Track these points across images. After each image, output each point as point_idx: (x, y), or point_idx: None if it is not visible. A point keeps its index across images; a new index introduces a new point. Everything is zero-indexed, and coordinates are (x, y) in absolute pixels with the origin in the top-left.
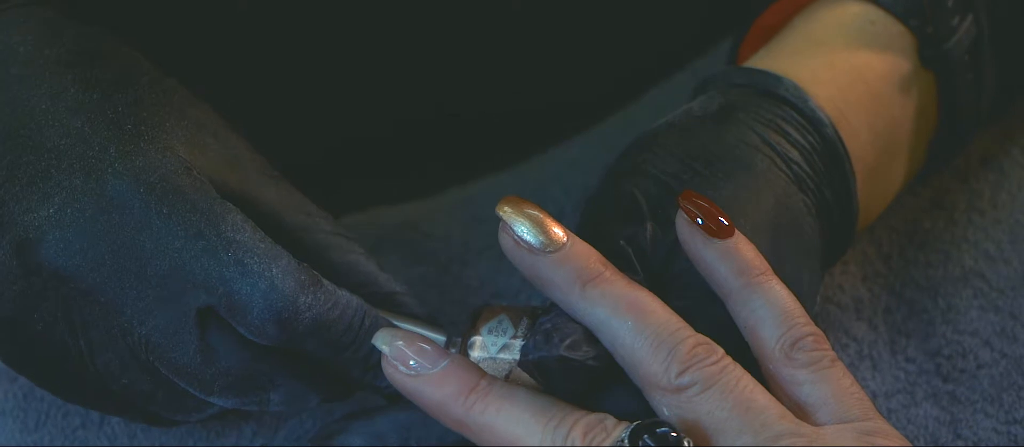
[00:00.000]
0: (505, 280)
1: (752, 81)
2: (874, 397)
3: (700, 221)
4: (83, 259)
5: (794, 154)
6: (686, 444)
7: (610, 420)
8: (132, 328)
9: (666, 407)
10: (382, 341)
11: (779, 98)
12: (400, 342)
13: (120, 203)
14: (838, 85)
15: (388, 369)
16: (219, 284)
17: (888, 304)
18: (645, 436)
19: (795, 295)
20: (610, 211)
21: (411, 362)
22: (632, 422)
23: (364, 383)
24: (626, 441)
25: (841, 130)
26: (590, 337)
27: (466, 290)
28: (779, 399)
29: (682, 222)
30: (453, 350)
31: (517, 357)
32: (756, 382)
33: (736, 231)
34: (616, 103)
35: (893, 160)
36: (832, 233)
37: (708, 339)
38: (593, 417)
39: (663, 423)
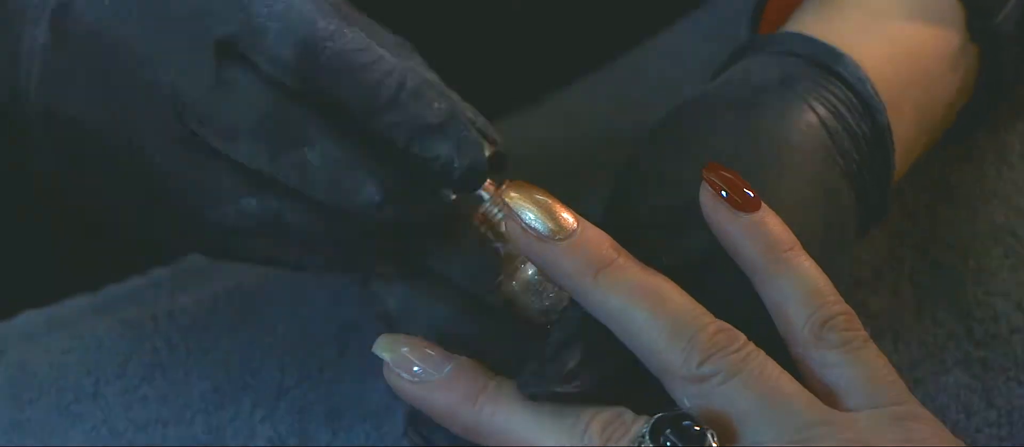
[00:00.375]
0: None
1: (813, 53)
2: (900, 369)
3: (724, 193)
4: (113, 10)
5: (845, 139)
6: (710, 439)
7: (628, 414)
8: (159, 76)
9: (687, 398)
10: (383, 348)
11: (837, 76)
12: (404, 348)
13: None
14: (895, 65)
15: (391, 378)
16: (238, 9)
17: (914, 265)
18: (667, 430)
19: (826, 275)
20: (654, 187)
21: (415, 369)
22: (652, 416)
23: (412, 154)
24: (647, 437)
25: (891, 115)
26: (589, 359)
27: None
28: (808, 383)
29: (706, 195)
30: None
31: None
32: (782, 369)
33: (763, 205)
34: (626, 42)
35: (927, 134)
36: (866, 213)
37: (729, 325)
38: (610, 412)
39: (685, 416)
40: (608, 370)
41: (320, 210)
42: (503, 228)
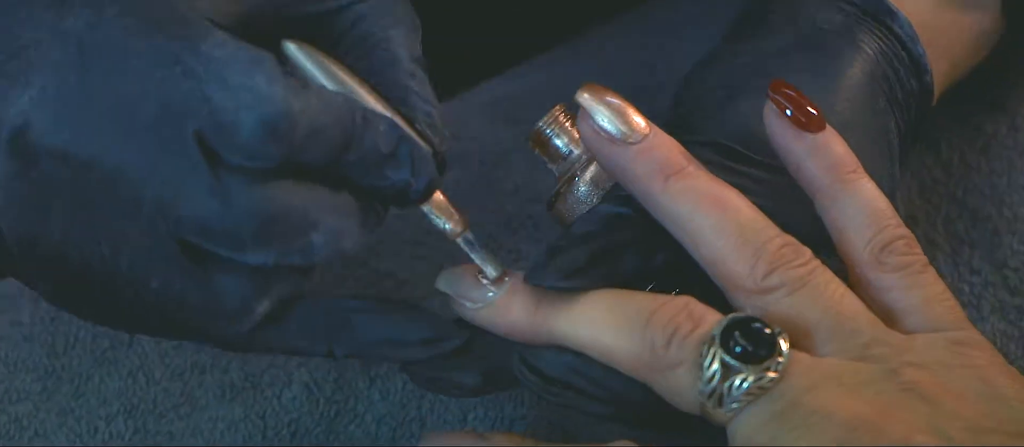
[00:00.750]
0: (543, 182)
1: (870, 7)
2: None
3: (789, 112)
4: (76, 129)
5: (898, 91)
6: (781, 342)
7: (696, 306)
8: (142, 192)
9: (750, 308)
10: (444, 283)
11: (892, 32)
12: (464, 278)
13: (96, 52)
14: (941, 25)
15: (456, 307)
16: (202, 105)
17: (949, 213)
18: (737, 333)
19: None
20: (713, 121)
21: (476, 294)
22: (723, 315)
23: (378, 187)
24: (717, 338)
25: (934, 77)
26: (604, 257)
27: (502, 195)
28: (866, 303)
29: (771, 114)
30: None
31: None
32: (845, 287)
33: (828, 126)
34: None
35: (953, 82)
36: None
37: (795, 240)
38: (676, 304)
39: (756, 319)
40: (623, 271)
41: None
42: (554, 148)
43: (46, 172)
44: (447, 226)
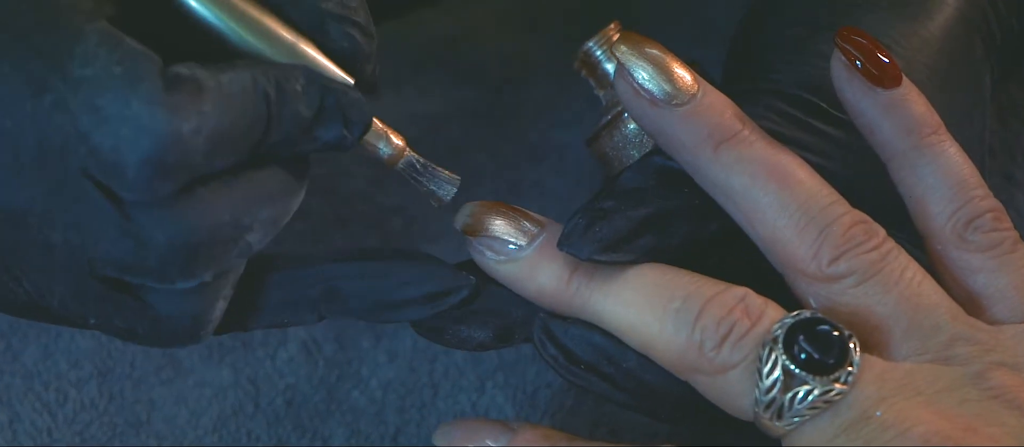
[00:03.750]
0: (567, 105)
1: None
2: None
3: (859, 64)
4: None
5: (998, 34)
6: (852, 349)
7: (754, 300)
8: (49, 236)
9: (814, 298)
10: (464, 217)
11: None
12: (497, 220)
13: None
14: None
15: (479, 258)
16: (80, 143)
17: None
18: (801, 336)
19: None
20: (786, 66)
21: (509, 246)
22: (789, 314)
23: (308, 151)
24: (780, 341)
25: None
26: (655, 224)
27: (521, 119)
28: (948, 286)
29: (839, 65)
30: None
31: None
32: (925, 272)
33: (905, 79)
34: None
35: None
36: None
37: (866, 217)
38: (731, 296)
39: (824, 320)
40: (673, 243)
41: None
42: (604, 73)
43: None
44: (385, 151)
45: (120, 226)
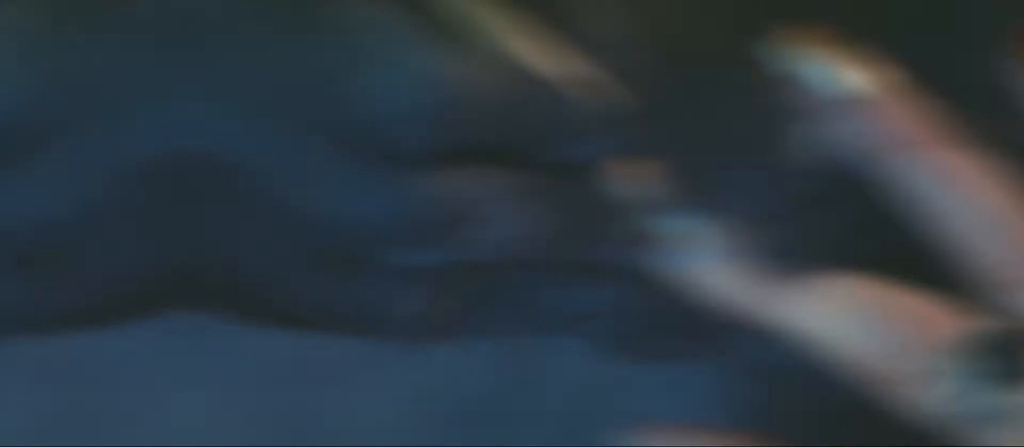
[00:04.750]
0: None
1: None
2: None
3: None
4: None
5: None
6: None
7: (950, 307)
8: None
9: (1014, 307)
10: None
11: None
12: None
13: None
14: None
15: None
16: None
17: None
18: (1002, 348)
19: None
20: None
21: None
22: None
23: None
24: (980, 352)
25: None
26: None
27: None
28: None
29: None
30: None
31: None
32: None
33: None
34: None
35: None
36: None
37: None
38: (926, 302)
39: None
40: (857, 248)
41: None
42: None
43: None
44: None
45: (357, 184)
